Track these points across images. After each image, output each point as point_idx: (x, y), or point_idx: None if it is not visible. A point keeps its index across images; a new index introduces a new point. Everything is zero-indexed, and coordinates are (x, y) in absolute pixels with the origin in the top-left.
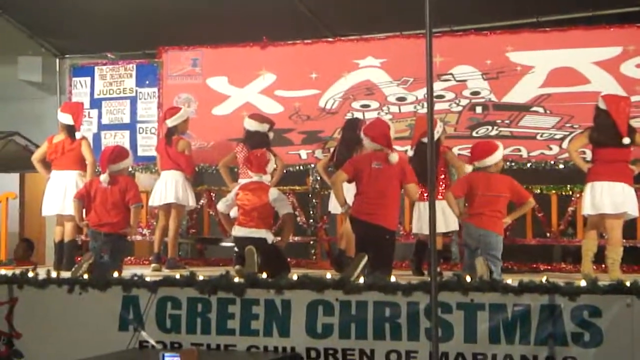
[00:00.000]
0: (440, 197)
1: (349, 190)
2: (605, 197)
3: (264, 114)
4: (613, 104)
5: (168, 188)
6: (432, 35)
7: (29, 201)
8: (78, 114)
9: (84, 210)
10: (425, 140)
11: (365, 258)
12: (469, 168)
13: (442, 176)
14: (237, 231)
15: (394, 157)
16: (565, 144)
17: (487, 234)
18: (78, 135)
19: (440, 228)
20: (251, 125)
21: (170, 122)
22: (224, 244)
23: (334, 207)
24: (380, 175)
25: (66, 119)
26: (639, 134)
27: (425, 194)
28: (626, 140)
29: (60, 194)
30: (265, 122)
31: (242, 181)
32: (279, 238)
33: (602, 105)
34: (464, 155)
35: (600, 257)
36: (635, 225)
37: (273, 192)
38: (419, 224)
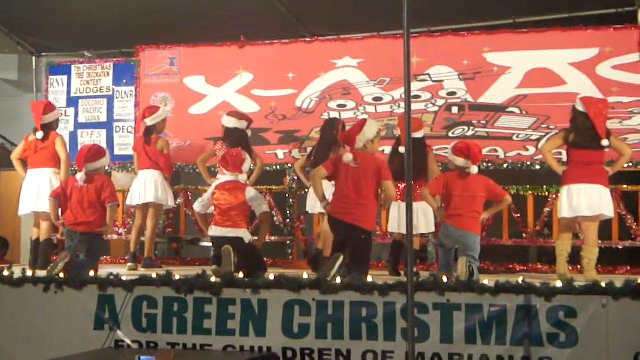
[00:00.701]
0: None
1: (328, 190)
2: (582, 200)
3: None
4: (592, 107)
5: (147, 187)
6: (410, 35)
7: (4, 200)
8: (36, 112)
9: (59, 210)
10: (417, 135)
11: (341, 258)
12: (475, 169)
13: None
14: (214, 231)
15: (347, 157)
16: (541, 145)
17: (465, 234)
18: (39, 134)
19: (421, 229)
20: (230, 122)
21: (150, 121)
22: (202, 243)
23: (311, 207)
24: (357, 173)
25: (34, 118)
26: (613, 136)
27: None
28: (605, 143)
29: (34, 191)
30: (243, 119)
31: (220, 177)
32: (255, 238)
33: (581, 108)
34: (440, 155)
35: (575, 258)
36: (610, 227)
37: (250, 191)
38: (397, 223)
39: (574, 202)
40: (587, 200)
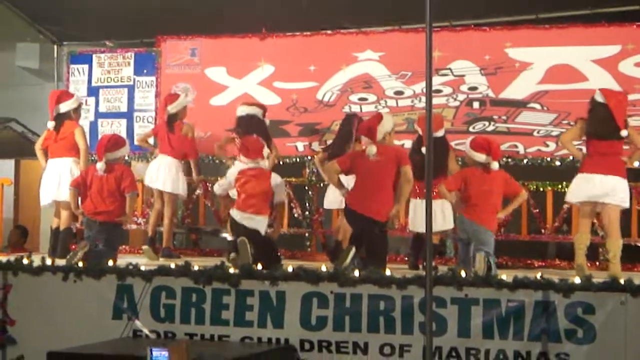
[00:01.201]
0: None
1: (346, 182)
2: (597, 189)
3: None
4: (612, 97)
5: (160, 173)
6: (432, 29)
7: (23, 188)
8: (50, 102)
9: (79, 199)
10: (438, 134)
11: (354, 250)
12: (496, 165)
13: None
14: (235, 214)
15: (372, 150)
16: (560, 137)
17: (479, 229)
18: (50, 124)
19: (438, 226)
20: (242, 110)
21: (172, 109)
22: (221, 235)
23: (329, 202)
24: (377, 167)
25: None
26: (631, 127)
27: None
28: (624, 133)
29: (55, 181)
30: (256, 105)
31: (237, 164)
32: (271, 229)
33: (600, 99)
34: (460, 150)
35: (593, 254)
36: (630, 224)
37: (275, 178)
38: (415, 221)
39: (590, 191)
40: (603, 189)
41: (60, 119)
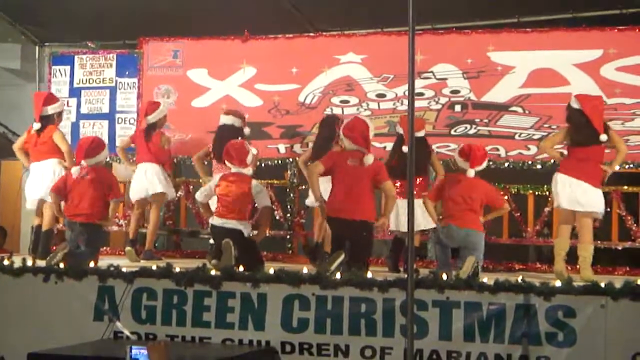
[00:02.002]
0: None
1: (325, 188)
2: (566, 192)
3: (243, 107)
4: (587, 103)
5: (149, 180)
6: (414, 32)
7: (4, 188)
8: (37, 103)
9: (62, 203)
10: (418, 135)
11: (343, 256)
12: (471, 173)
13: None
14: (215, 221)
15: (369, 159)
16: (541, 143)
17: (470, 233)
18: (36, 126)
19: (420, 225)
20: (223, 119)
21: (152, 119)
22: (202, 236)
23: (311, 201)
24: (355, 173)
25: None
26: (612, 131)
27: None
28: (604, 137)
29: (39, 182)
30: (238, 116)
31: (216, 176)
32: (255, 232)
33: (576, 105)
34: (441, 153)
35: (573, 258)
36: (610, 227)
37: (256, 185)
38: (397, 221)
39: (564, 195)
40: (571, 194)
41: (44, 121)
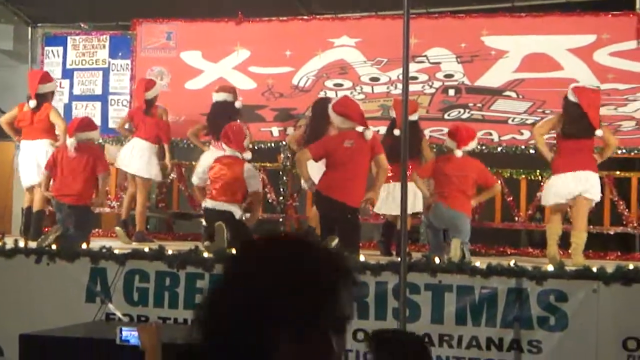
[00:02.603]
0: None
1: (319, 169)
2: (571, 185)
3: (237, 90)
4: (584, 97)
5: (133, 156)
6: (409, 16)
7: None
8: (32, 81)
9: (51, 181)
10: (411, 118)
11: (336, 240)
12: (459, 153)
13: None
14: (208, 203)
15: (368, 134)
16: (535, 128)
17: (456, 215)
18: (32, 103)
19: (410, 208)
20: (215, 96)
21: (151, 94)
22: (195, 218)
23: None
24: (353, 153)
25: (29, 86)
26: (605, 128)
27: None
28: (599, 133)
29: (33, 163)
30: (227, 91)
31: (213, 149)
32: (248, 215)
33: (573, 98)
34: (435, 137)
35: (565, 242)
36: (602, 212)
37: (248, 168)
38: (387, 204)
39: (563, 189)
40: (574, 185)
41: (40, 99)
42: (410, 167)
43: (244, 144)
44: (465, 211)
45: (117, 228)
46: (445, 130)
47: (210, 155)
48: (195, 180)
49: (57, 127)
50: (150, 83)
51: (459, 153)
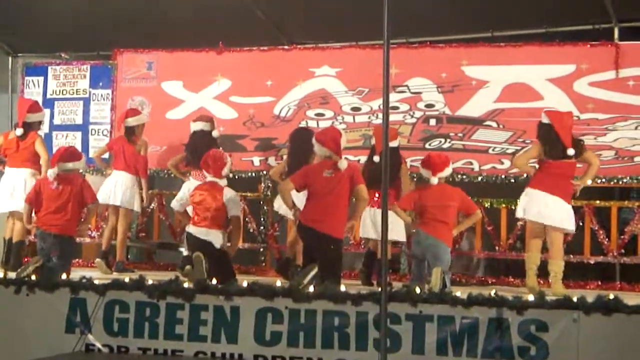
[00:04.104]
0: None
1: (300, 199)
2: (541, 208)
3: (218, 119)
4: (556, 118)
5: (117, 189)
6: (389, 46)
7: None
8: (21, 109)
9: (33, 213)
10: (392, 145)
11: (316, 269)
12: (434, 180)
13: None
14: (191, 229)
15: (343, 164)
16: (515, 157)
17: (436, 243)
18: (19, 131)
19: (391, 235)
20: (194, 126)
21: (133, 121)
22: (178, 249)
23: (278, 206)
24: (332, 183)
25: (17, 114)
26: (584, 147)
27: (376, 199)
28: (570, 152)
29: (9, 191)
30: (209, 121)
31: (192, 179)
32: (229, 244)
33: (546, 120)
34: (416, 167)
35: (545, 271)
36: (582, 242)
37: (227, 192)
38: (366, 228)
39: (532, 207)
40: (545, 209)
41: (27, 128)
42: (391, 195)
43: (222, 171)
44: (445, 240)
45: (98, 260)
46: None
47: (191, 184)
48: (174, 204)
49: (41, 158)
50: (132, 111)
51: (434, 180)
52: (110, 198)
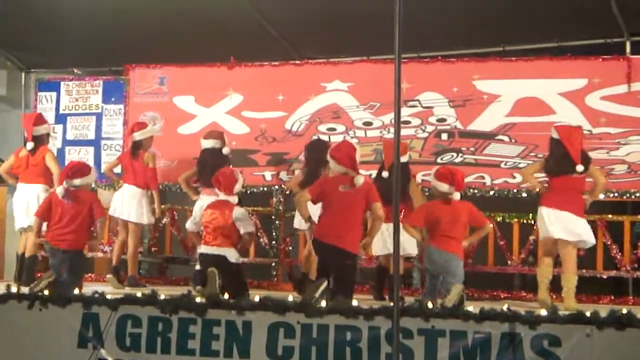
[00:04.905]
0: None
1: (315, 213)
2: (556, 224)
3: (229, 134)
4: (565, 134)
5: (125, 203)
6: (400, 60)
7: None
8: (27, 124)
9: (44, 226)
10: (402, 160)
11: (325, 283)
12: (457, 196)
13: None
14: (203, 249)
15: (359, 180)
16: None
17: (449, 257)
18: (29, 145)
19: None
20: (204, 143)
21: (138, 135)
22: (189, 263)
23: (299, 222)
24: (347, 198)
25: (25, 129)
26: (593, 165)
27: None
28: (579, 168)
29: (23, 206)
30: (215, 137)
31: (203, 196)
32: (243, 259)
33: (555, 135)
34: (427, 181)
35: (557, 286)
36: (595, 256)
37: (237, 211)
38: (379, 245)
39: (546, 225)
40: (560, 225)
41: (36, 141)
42: (402, 211)
43: (233, 188)
44: (457, 252)
45: (109, 276)
46: None
47: (202, 202)
48: (189, 226)
49: (52, 172)
50: (140, 125)
51: (457, 196)
52: (119, 212)
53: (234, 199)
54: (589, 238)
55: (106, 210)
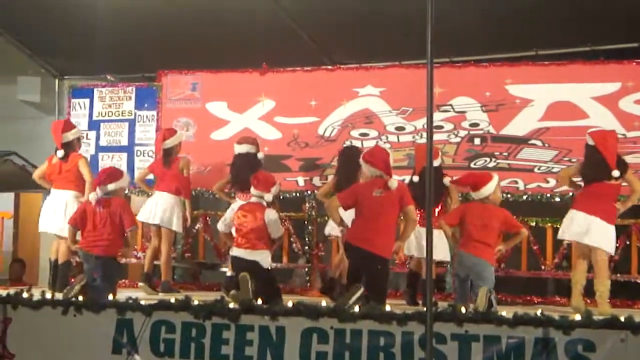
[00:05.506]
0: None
1: (347, 217)
2: (582, 227)
3: (262, 140)
4: (600, 139)
5: (157, 209)
6: (432, 65)
7: (23, 221)
8: (56, 131)
9: (78, 233)
10: (434, 164)
11: (361, 290)
12: (476, 196)
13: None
14: (234, 252)
15: (394, 183)
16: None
17: (479, 262)
18: (60, 153)
19: (435, 256)
20: (238, 148)
21: (169, 143)
22: (221, 269)
23: (330, 229)
24: (382, 202)
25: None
26: (630, 171)
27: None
28: (615, 174)
29: (52, 212)
30: (250, 142)
31: (238, 200)
32: (275, 264)
33: (590, 142)
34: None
35: (591, 291)
36: (630, 260)
37: (269, 213)
38: (412, 247)
39: (572, 227)
40: (584, 229)
41: (67, 148)
42: (437, 213)
43: (271, 188)
44: (487, 258)
45: (141, 284)
46: None
47: (236, 205)
48: (220, 226)
49: (85, 179)
50: (169, 132)
51: (475, 196)
52: (150, 218)
53: (269, 197)
54: (606, 246)
55: (135, 220)
